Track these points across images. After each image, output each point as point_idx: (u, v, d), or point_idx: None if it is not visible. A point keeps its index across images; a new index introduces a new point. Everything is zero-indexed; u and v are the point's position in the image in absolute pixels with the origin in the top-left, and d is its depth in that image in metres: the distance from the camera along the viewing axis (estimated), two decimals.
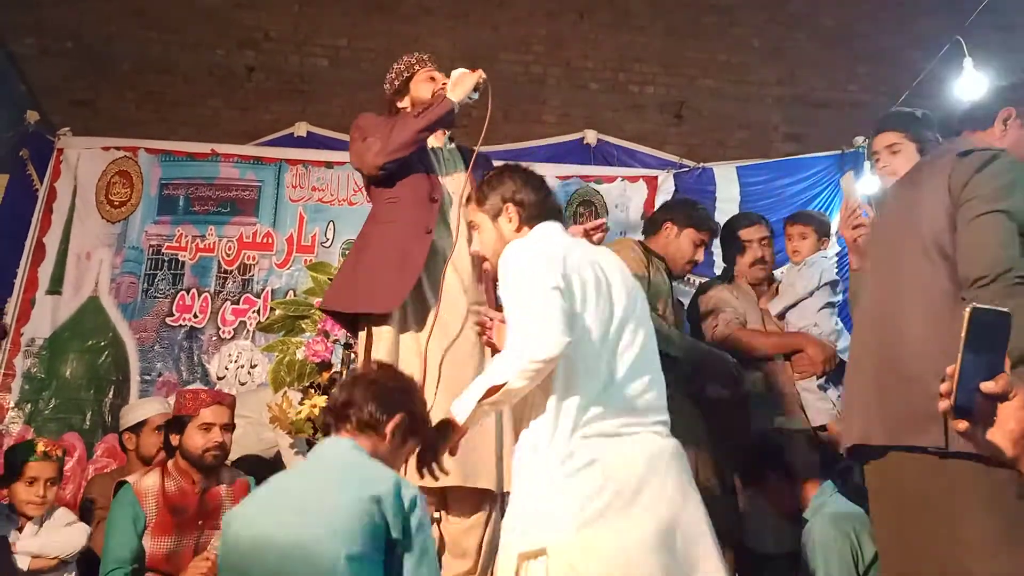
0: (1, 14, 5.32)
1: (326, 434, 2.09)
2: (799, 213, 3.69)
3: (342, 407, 2.02)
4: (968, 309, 1.10)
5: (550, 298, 1.85)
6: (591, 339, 1.90)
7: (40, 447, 2.98)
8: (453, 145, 2.89)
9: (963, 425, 1.11)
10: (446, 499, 2.47)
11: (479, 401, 1.88)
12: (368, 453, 1.96)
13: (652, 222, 3.43)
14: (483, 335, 2.49)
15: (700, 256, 3.34)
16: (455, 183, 2.73)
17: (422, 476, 2.01)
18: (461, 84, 2.66)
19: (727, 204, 4.73)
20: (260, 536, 1.84)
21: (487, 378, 1.87)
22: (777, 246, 3.59)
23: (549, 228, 2.11)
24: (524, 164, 2.33)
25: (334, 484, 1.87)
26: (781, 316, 3.34)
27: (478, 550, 2.46)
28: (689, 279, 4.39)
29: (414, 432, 2.03)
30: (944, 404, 1.11)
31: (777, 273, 3.63)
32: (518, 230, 2.13)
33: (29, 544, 2.84)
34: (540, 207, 2.13)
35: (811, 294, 3.27)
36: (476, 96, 2.70)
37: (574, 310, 1.89)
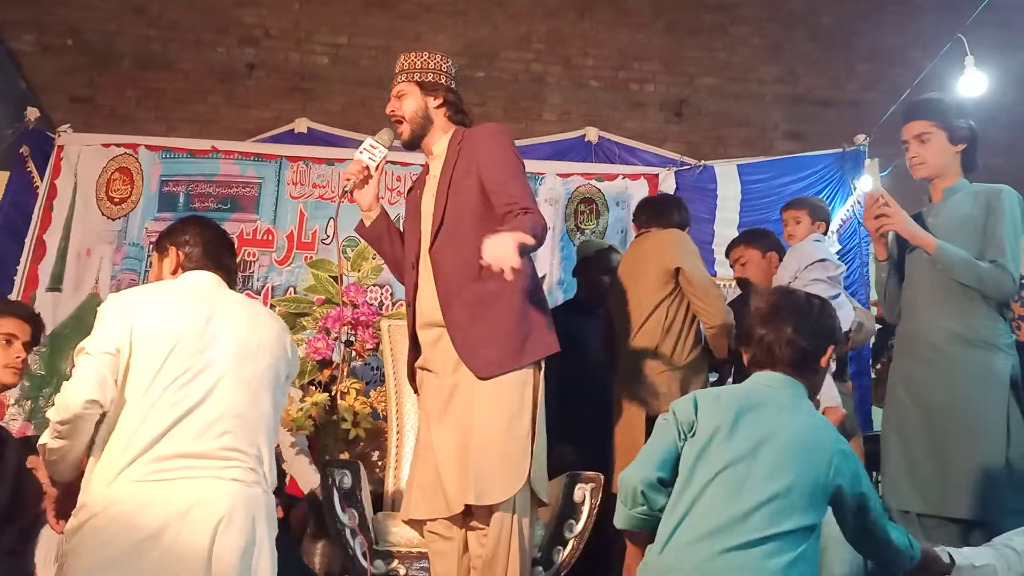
0: (1, 11, 5.31)
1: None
2: (793, 199, 3.68)
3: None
4: None
5: (90, 360, 1.96)
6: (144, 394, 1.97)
7: None
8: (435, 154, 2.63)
9: None
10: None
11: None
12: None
13: (673, 214, 3.41)
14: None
15: None
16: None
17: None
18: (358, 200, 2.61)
19: (728, 202, 4.74)
20: None
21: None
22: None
23: (190, 277, 2.21)
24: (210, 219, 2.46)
25: None
26: None
27: (490, 558, 2.34)
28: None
29: None
30: None
31: None
32: (173, 273, 2.25)
33: None
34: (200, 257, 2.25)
35: (795, 279, 3.26)
36: (381, 146, 2.55)
37: (130, 369, 1.97)
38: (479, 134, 2.52)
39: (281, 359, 2.18)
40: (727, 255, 3.64)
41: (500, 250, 2.16)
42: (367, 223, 2.63)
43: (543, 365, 2.45)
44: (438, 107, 2.55)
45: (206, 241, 2.26)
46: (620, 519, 2.06)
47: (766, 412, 2.00)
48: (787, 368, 2.08)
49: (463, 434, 2.36)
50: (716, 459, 1.93)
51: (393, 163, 4.73)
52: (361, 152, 2.54)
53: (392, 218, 2.71)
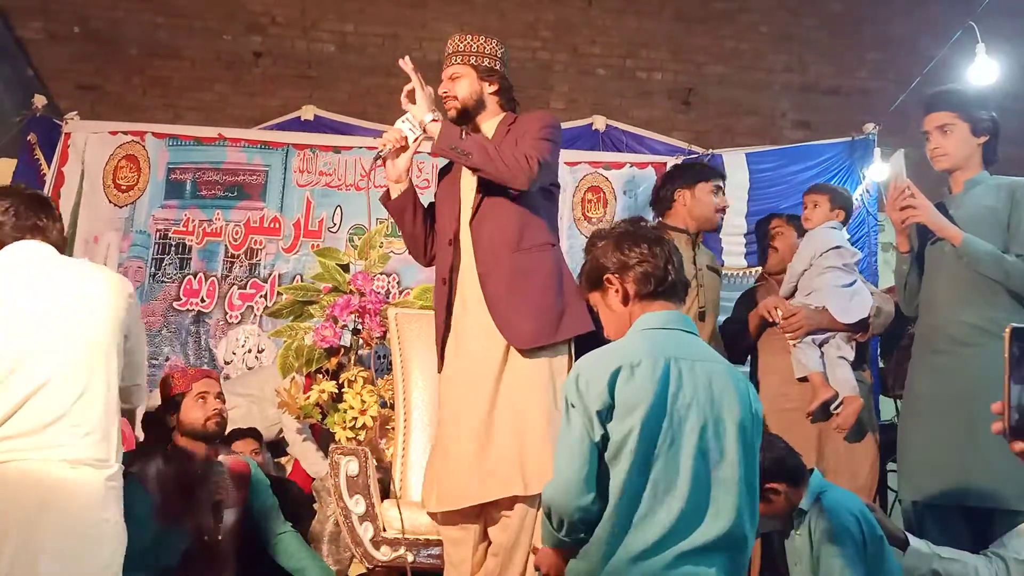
0: None
1: None
2: (817, 184, 3.67)
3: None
4: (1008, 329, 1.09)
5: None
6: None
7: None
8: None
9: (1019, 447, 1.10)
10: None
11: None
12: None
13: (662, 199, 3.40)
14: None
15: (724, 200, 3.31)
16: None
17: None
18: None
19: (736, 191, 4.70)
20: None
21: None
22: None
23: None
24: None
25: None
26: (791, 295, 3.33)
27: (510, 546, 2.35)
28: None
29: None
30: (998, 426, 1.11)
31: None
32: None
33: None
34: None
35: (810, 266, 3.25)
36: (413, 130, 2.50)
37: None
38: (529, 117, 2.56)
39: (120, 318, 2.11)
40: (766, 224, 3.65)
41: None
42: (393, 195, 2.60)
43: (573, 351, 2.44)
44: (492, 93, 2.57)
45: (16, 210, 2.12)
46: (550, 540, 1.79)
47: (688, 373, 1.70)
48: (680, 302, 1.82)
49: (506, 425, 2.35)
50: (647, 450, 1.65)
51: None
52: (403, 122, 2.50)
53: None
